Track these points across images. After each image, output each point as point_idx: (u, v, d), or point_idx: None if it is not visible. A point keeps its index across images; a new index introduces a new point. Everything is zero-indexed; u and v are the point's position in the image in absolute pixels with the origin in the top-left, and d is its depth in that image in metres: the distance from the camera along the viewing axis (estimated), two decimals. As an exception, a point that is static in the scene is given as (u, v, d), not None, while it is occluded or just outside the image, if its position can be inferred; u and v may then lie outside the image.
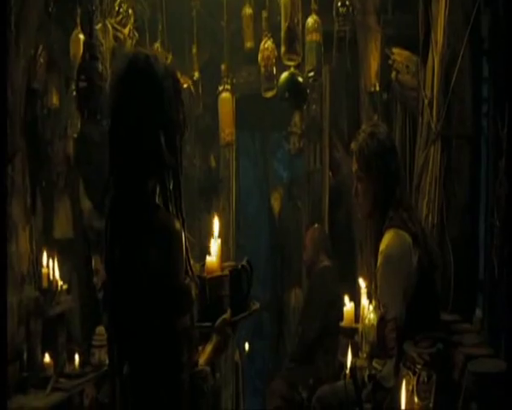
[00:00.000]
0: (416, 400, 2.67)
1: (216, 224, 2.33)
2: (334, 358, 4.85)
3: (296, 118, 6.18)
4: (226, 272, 2.26)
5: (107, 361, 4.74)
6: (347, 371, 3.69)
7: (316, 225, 5.91)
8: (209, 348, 2.19)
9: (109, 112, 2.12)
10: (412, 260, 3.06)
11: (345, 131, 5.99)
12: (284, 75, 4.43)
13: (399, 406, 2.59)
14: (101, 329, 4.97)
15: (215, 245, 2.27)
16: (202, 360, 2.14)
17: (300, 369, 5.39)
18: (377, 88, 4.99)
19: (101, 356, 4.85)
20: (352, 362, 3.71)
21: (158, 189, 2.09)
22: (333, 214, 5.94)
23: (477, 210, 4.10)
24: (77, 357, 4.81)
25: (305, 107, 4.19)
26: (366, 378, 3.14)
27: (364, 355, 4.83)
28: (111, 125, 2.10)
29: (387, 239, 3.07)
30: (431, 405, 2.64)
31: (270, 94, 4.45)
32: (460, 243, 3.87)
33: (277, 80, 4.43)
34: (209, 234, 2.31)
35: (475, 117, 3.99)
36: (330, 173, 5.97)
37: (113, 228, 2.04)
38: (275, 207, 7.66)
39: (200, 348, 2.20)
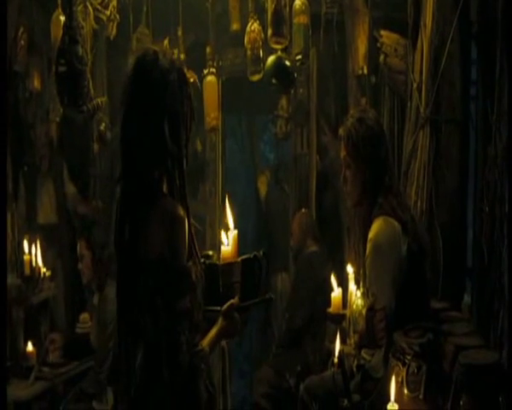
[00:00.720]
0: (405, 391, 2.63)
1: (230, 214, 2.38)
2: (322, 344, 4.81)
3: (283, 101, 6.09)
4: (238, 259, 2.32)
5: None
6: (335, 360, 3.74)
7: (303, 210, 5.84)
8: (214, 331, 2.25)
9: (121, 105, 2.25)
10: (402, 249, 3.00)
11: (332, 114, 5.91)
12: (271, 59, 4.35)
13: (389, 397, 2.54)
14: (85, 316, 4.90)
15: (231, 235, 2.33)
16: (205, 341, 2.22)
17: (288, 355, 5.34)
18: (365, 71, 4.93)
19: (86, 343, 4.78)
20: (339, 351, 3.75)
21: (165, 178, 2.21)
22: (320, 199, 5.86)
23: (465, 196, 4.07)
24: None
25: (292, 91, 4.10)
26: (354, 368, 3.09)
27: (352, 341, 4.83)
28: (122, 117, 2.24)
29: (376, 227, 3.01)
30: (421, 396, 2.59)
31: (256, 77, 4.37)
32: (449, 230, 3.82)
33: (264, 63, 4.35)
34: (223, 224, 2.39)
35: (465, 101, 3.95)
36: (317, 157, 5.88)
37: (122, 213, 2.18)
38: (261, 191, 7.58)
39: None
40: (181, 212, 2.14)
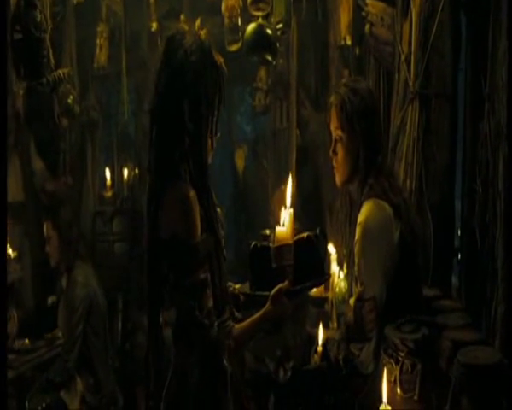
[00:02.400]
0: (398, 391, 2.44)
1: (288, 193, 2.37)
2: (303, 328, 4.61)
3: (261, 73, 5.88)
4: (290, 241, 2.27)
5: (59, 334, 4.51)
6: (319, 348, 3.54)
7: (283, 187, 5.50)
8: (258, 314, 2.28)
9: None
10: (393, 235, 2.79)
11: (312, 87, 5.81)
12: (251, 27, 4.08)
13: (380, 398, 2.34)
14: (53, 300, 4.66)
15: (287, 215, 2.30)
16: (243, 323, 2.30)
17: (267, 340, 5.13)
18: (348, 42, 4.77)
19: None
20: (323, 339, 3.55)
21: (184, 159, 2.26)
22: (300, 175, 5.67)
23: (454, 174, 3.86)
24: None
25: (274, 62, 3.87)
26: (341, 361, 2.88)
27: (335, 325, 4.64)
28: (152, 97, 2.32)
29: (367, 211, 2.79)
30: (415, 397, 2.40)
31: (234, 47, 4.11)
32: (438, 210, 3.62)
33: (243, 32, 4.09)
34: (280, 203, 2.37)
35: (455, 74, 3.75)
36: (297, 132, 5.74)
37: (149, 196, 2.26)
38: (239, 166, 7.43)
39: None
40: (190, 194, 2.19)
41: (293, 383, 3.20)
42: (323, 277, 2.39)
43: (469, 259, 3.76)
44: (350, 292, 4.15)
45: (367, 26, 4.16)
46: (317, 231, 2.38)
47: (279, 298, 2.26)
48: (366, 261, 2.77)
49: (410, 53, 3.68)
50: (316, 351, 3.72)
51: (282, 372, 4.82)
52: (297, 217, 5.33)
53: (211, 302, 2.22)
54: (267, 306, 2.27)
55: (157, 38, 4.87)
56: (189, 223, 2.19)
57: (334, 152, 2.97)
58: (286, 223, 2.31)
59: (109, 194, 6.05)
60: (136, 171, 6.26)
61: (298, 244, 2.30)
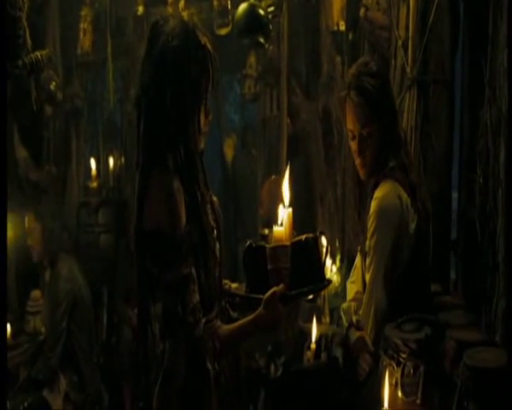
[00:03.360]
0: (400, 395, 2.30)
1: (286, 190, 2.24)
2: (294, 323, 4.49)
3: (251, 59, 5.70)
4: (287, 242, 2.15)
5: (43, 330, 4.36)
6: (312, 345, 3.41)
7: (273, 177, 5.57)
8: (249, 318, 2.16)
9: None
10: (409, 226, 2.64)
11: (303, 74, 5.69)
12: (242, 7, 3.93)
13: (382, 402, 2.21)
14: (36, 293, 4.51)
15: (285, 214, 2.17)
16: (232, 325, 2.19)
17: (258, 335, 5.00)
18: (341, 27, 4.66)
19: (37, 324, 4.38)
20: (316, 335, 3.41)
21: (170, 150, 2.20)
22: (291, 165, 5.48)
23: (451, 164, 3.76)
24: (9, 326, 4.32)
25: (266, 45, 3.71)
26: (340, 360, 2.75)
27: (328, 319, 4.53)
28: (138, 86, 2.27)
29: (385, 188, 2.62)
30: (418, 401, 2.26)
31: (224, 31, 3.95)
32: (437, 201, 3.48)
33: (232, 16, 3.93)
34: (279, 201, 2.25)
35: (454, 60, 3.62)
36: (288, 120, 5.61)
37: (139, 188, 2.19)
38: (227, 155, 7.28)
39: None
40: (174, 185, 2.13)
41: (290, 383, 3.06)
42: (322, 283, 2.23)
43: (467, 252, 3.64)
44: (344, 285, 4.04)
45: (362, 10, 4.05)
46: (317, 233, 2.25)
47: (273, 302, 2.13)
48: (378, 237, 2.61)
49: (408, 38, 3.55)
50: (309, 347, 3.65)
51: (273, 368, 4.70)
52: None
53: (196, 298, 2.13)
54: (259, 310, 2.14)
55: (143, 23, 4.72)
56: (171, 215, 2.12)
57: (361, 153, 2.72)
58: (284, 223, 2.18)
59: (94, 184, 5.84)
60: (123, 160, 6.09)
61: (296, 246, 2.16)
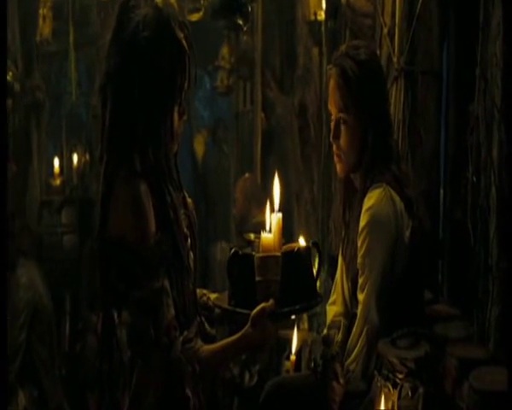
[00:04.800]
0: (397, 420, 2.06)
1: (276, 193, 2.04)
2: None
3: (224, 50, 5.50)
4: (278, 253, 1.95)
5: None
6: (292, 357, 3.20)
7: (247, 175, 5.45)
8: (233, 338, 1.94)
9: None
10: (404, 234, 2.42)
11: (277, 67, 5.51)
12: (217, -17, 3.65)
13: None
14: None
15: (274, 219, 1.97)
16: (218, 345, 1.96)
17: (229, 330, 4.81)
18: (319, 17, 4.42)
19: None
20: (297, 346, 3.24)
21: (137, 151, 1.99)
22: (266, 162, 5.48)
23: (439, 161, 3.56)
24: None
25: (245, 28, 3.46)
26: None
27: (306, 326, 4.32)
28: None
29: (376, 196, 2.40)
30: (417, 427, 2.02)
31: (195, 17, 3.67)
32: (425, 200, 3.29)
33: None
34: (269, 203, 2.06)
35: (442, 50, 3.43)
36: (263, 115, 5.47)
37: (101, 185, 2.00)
38: (198, 152, 7.11)
39: None
40: (142, 188, 1.92)
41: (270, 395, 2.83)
42: (315, 300, 2.05)
43: (455, 254, 3.45)
44: (323, 289, 3.81)
45: None
46: (310, 243, 2.07)
47: (261, 320, 1.91)
48: (373, 254, 2.39)
49: (394, 25, 3.33)
50: (288, 357, 3.44)
51: (247, 377, 4.53)
52: (260, 207, 5.11)
53: (171, 314, 1.91)
54: (246, 328, 1.92)
55: (109, 9, 4.47)
56: (138, 223, 1.91)
57: (336, 137, 2.53)
58: (273, 229, 1.97)
59: (57, 182, 5.68)
60: (87, 157, 5.93)
61: (286, 257, 1.97)
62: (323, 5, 4.31)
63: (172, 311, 1.92)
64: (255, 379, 4.44)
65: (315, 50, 4.65)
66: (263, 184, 5.39)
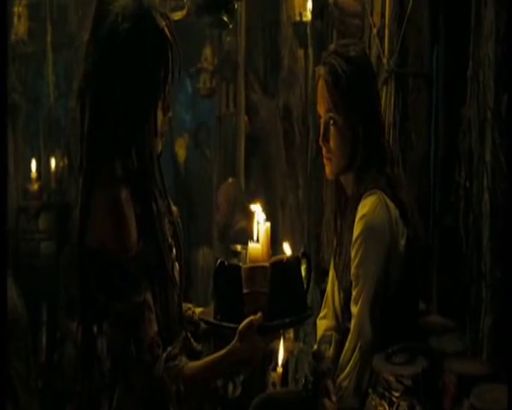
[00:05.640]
0: (394, 442, 1.95)
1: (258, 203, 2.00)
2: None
3: (207, 51, 5.46)
4: (266, 263, 1.90)
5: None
6: (279, 369, 3.15)
7: (230, 180, 5.42)
8: (219, 354, 1.88)
9: None
10: (399, 243, 2.32)
11: (261, 69, 5.49)
12: (202, -22, 3.55)
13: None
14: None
15: (262, 229, 1.93)
16: (204, 362, 1.89)
17: (214, 352, 4.71)
18: (304, 17, 4.36)
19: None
20: (283, 358, 3.18)
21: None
22: (249, 167, 5.44)
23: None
24: None
25: (230, 25, 3.36)
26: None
27: (292, 335, 4.22)
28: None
29: (371, 203, 2.31)
30: (415, 449, 1.92)
31: (179, 15, 3.55)
32: (418, 206, 3.22)
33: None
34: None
35: (433, 51, 3.38)
36: (246, 118, 5.42)
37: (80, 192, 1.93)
38: (180, 156, 7.06)
39: None
40: (122, 195, 1.84)
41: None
42: (305, 313, 1.97)
43: (445, 262, 3.37)
44: (310, 298, 3.72)
45: None
46: (300, 252, 2.00)
47: (249, 334, 1.84)
48: (368, 264, 2.30)
49: (384, 26, 3.27)
50: (273, 369, 3.32)
51: (231, 387, 4.43)
52: (244, 213, 5.07)
53: (153, 330, 1.83)
54: (234, 342, 1.85)
55: (87, 8, 4.37)
56: (119, 232, 1.83)
57: (325, 140, 2.43)
58: (261, 239, 1.90)
59: (35, 187, 5.56)
60: (66, 161, 5.81)
61: (275, 268, 1.90)
62: (309, 5, 4.24)
63: (155, 326, 1.83)
64: (239, 390, 4.34)
65: (300, 52, 4.59)
66: (246, 189, 5.36)
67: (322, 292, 3.97)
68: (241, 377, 4.51)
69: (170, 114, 1.98)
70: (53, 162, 5.80)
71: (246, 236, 4.87)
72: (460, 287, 3.13)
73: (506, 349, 2.82)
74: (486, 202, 2.94)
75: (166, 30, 1.88)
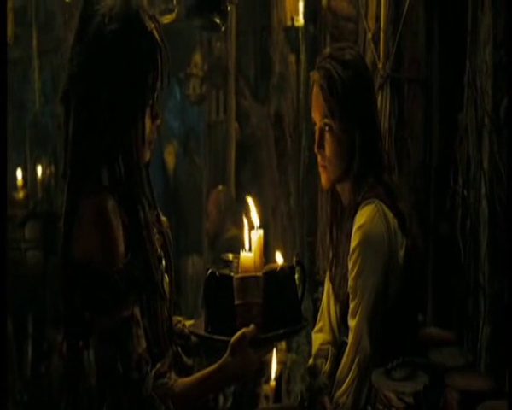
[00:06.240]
0: None
1: (253, 208, 1.93)
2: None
3: (197, 57, 5.40)
4: (259, 273, 1.84)
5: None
6: (272, 383, 3.13)
7: (220, 188, 5.35)
8: (211, 369, 1.80)
9: None
10: (399, 254, 2.25)
11: (251, 75, 5.43)
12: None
13: None
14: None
15: (254, 237, 1.86)
16: (194, 378, 1.81)
17: (206, 366, 4.63)
18: (296, 22, 4.32)
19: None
20: (276, 372, 3.16)
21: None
22: (240, 174, 5.37)
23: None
24: None
25: (223, 28, 3.28)
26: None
27: (284, 346, 4.16)
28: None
29: (368, 213, 2.24)
30: None
31: (168, 18, 3.46)
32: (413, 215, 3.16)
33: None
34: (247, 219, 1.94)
35: (429, 56, 3.31)
36: (237, 125, 5.36)
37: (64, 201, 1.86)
38: (169, 163, 6.97)
39: None
40: (109, 205, 1.77)
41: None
42: (300, 324, 1.90)
43: (440, 271, 3.31)
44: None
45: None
46: (293, 261, 1.94)
47: (242, 347, 1.77)
48: (366, 276, 2.22)
49: (379, 30, 3.22)
50: (266, 381, 3.41)
51: (221, 399, 4.36)
52: (234, 221, 5.01)
53: (142, 346, 1.76)
54: (225, 357, 1.78)
55: (73, 11, 4.30)
56: (105, 243, 1.77)
57: (321, 147, 2.35)
58: (253, 248, 1.84)
59: (21, 195, 5.48)
60: (53, 168, 5.73)
61: (268, 277, 1.84)
62: (301, 10, 4.19)
63: (143, 342, 1.76)
64: (230, 402, 4.28)
65: (292, 57, 4.54)
66: (237, 197, 5.29)
67: (315, 301, 3.94)
68: (232, 389, 4.42)
69: (159, 122, 1.91)
70: (39, 170, 5.73)
71: (236, 244, 4.83)
72: (457, 297, 3.10)
73: (505, 362, 2.79)
74: (484, 209, 2.92)
75: (155, 33, 1.82)
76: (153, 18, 1.84)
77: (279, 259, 2.60)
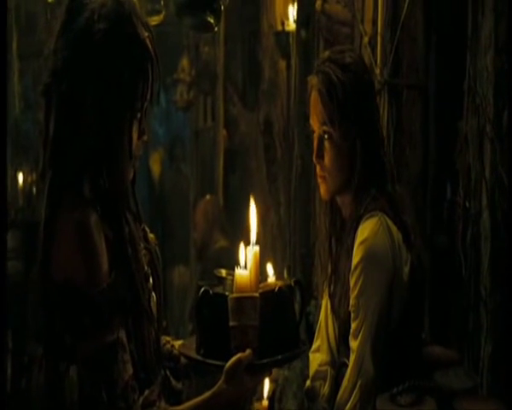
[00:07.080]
0: None
1: (253, 224, 1.84)
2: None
3: (184, 62, 5.34)
4: (255, 293, 1.73)
5: None
6: (264, 402, 2.92)
7: (208, 197, 5.24)
8: (204, 396, 1.69)
9: None
10: (403, 270, 2.12)
11: (239, 81, 5.36)
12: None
13: None
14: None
15: (250, 254, 1.76)
16: (187, 406, 1.70)
17: (197, 385, 4.52)
18: (287, 27, 4.23)
19: None
20: (269, 391, 2.97)
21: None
22: (228, 183, 5.31)
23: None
24: None
25: (216, 27, 3.16)
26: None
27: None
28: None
29: (372, 226, 2.12)
30: None
31: (156, 19, 3.31)
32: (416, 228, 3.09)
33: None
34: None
35: (428, 62, 3.24)
36: (225, 132, 5.28)
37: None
38: (154, 171, 6.96)
39: None
40: (91, 220, 1.66)
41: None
42: (299, 348, 1.79)
43: (438, 285, 3.20)
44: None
45: (318, 3, 3.59)
46: (292, 281, 1.82)
47: (237, 374, 1.65)
48: (369, 294, 2.11)
49: (375, 34, 3.15)
50: (259, 399, 3.15)
51: None
52: (226, 232, 4.93)
53: (128, 373, 1.64)
54: (220, 384, 1.66)
55: (56, 12, 4.20)
56: (87, 261, 1.65)
57: (319, 157, 2.24)
58: (249, 266, 1.72)
59: None
60: (34, 176, 5.55)
61: (266, 298, 1.72)
62: (293, 14, 4.11)
63: (130, 368, 1.64)
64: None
65: (282, 63, 4.49)
66: (225, 206, 5.24)
67: (307, 315, 3.84)
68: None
69: (145, 138, 1.79)
70: (20, 177, 5.61)
71: (225, 256, 4.69)
72: (456, 312, 3.03)
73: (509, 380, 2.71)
74: (486, 221, 2.83)
75: (148, 42, 1.70)
76: (146, 26, 1.73)
77: (270, 271, 2.49)
